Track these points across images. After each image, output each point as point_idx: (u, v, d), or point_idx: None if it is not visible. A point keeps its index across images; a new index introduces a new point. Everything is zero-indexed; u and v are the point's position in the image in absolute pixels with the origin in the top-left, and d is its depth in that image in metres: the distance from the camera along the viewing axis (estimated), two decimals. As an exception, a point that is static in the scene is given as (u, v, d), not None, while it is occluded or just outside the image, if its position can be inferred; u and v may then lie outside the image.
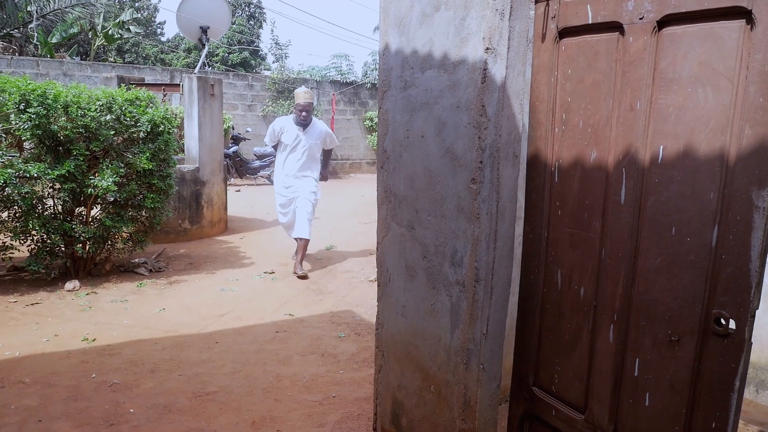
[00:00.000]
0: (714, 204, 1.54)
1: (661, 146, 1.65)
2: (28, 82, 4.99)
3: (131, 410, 3.12)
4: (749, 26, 1.44)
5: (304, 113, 6.00)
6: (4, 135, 5.01)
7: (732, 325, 1.53)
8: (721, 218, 1.53)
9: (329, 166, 6.73)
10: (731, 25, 1.48)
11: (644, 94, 1.67)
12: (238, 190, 12.64)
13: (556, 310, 2.05)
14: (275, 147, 6.36)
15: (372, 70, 19.06)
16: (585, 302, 1.93)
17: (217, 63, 22.20)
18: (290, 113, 6.83)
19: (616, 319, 1.82)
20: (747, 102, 1.46)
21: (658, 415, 1.73)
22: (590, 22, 1.81)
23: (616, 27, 1.74)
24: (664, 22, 1.61)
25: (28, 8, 14.34)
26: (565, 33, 1.91)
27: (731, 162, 1.50)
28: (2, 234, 5.24)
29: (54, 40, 16.10)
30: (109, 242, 5.65)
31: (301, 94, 6.04)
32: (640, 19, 1.66)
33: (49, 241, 5.19)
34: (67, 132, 4.97)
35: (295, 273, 5.99)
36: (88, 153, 5.14)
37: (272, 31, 32.64)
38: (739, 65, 1.47)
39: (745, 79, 1.46)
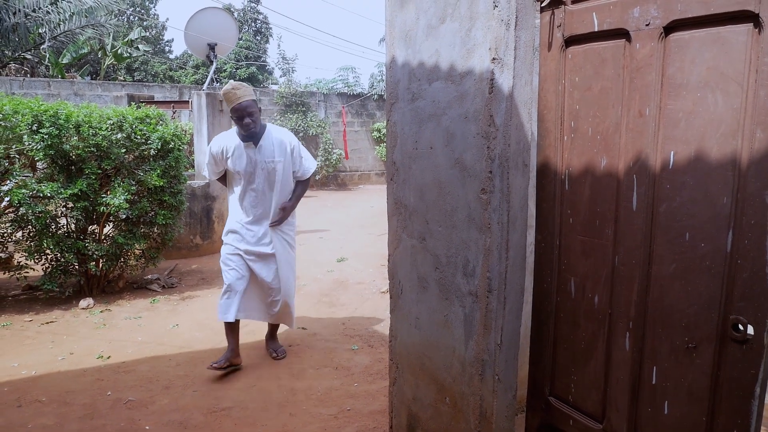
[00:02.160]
0: (727, 209, 1.53)
1: (672, 152, 1.64)
2: (41, 103, 5.06)
3: (147, 427, 3.12)
4: (757, 30, 1.44)
5: (246, 119, 3.66)
6: (17, 156, 5.08)
7: (750, 330, 1.51)
8: (735, 223, 1.52)
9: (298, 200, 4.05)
10: (739, 29, 1.47)
11: (653, 100, 1.67)
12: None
13: (571, 319, 2.03)
14: (221, 181, 4.09)
15: (378, 82, 19.14)
16: (599, 310, 1.91)
17: (225, 78, 22.42)
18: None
19: (632, 326, 1.81)
20: (758, 105, 1.45)
21: (678, 423, 1.71)
22: (596, 29, 1.81)
23: (622, 34, 1.74)
24: (670, 28, 1.61)
25: (40, 30, 14.58)
26: (571, 41, 1.91)
27: (743, 166, 1.49)
28: (17, 253, 5.29)
29: (65, 61, 16.34)
30: (122, 259, 5.69)
31: (233, 92, 3.66)
32: (647, 25, 1.66)
33: (62, 259, 5.24)
34: (79, 151, 5.03)
35: (275, 357, 4.13)
36: (99, 171, 5.20)
37: (279, 45, 32.95)
38: (748, 69, 1.46)
39: (754, 83, 1.45)
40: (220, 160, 3.82)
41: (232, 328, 3.86)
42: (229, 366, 3.79)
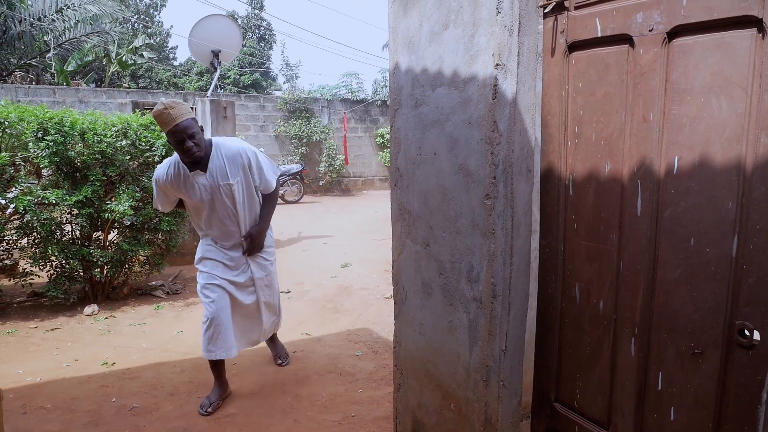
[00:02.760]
0: (733, 214, 1.52)
1: (676, 157, 1.64)
2: (46, 110, 5.09)
3: (151, 434, 3.12)
4: (761, 35, 1.44)
5: (188, 143, 3.03)
6: (23, 163, 5.11)
7: (757, 336, 1.50)
8: (740, 228, 1.51)
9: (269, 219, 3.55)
10: (742, 34, 1.47)
11: (657, 106, 1.67)
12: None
13: (576, 325, 2.03)
14: (173, 210, 3.74)
15: (382, 88, 19.19)
16: (605, 316, 1.91)
17: (228, 85, 22.51)
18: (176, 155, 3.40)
19: (637, 332, 1.80)
20: (762, 110, 1.45)
21: (684, 429, 1.70)
22: (599, 35, 1.81)
23: (625, 39, 1.74)
24: (674, 33, 1.61)
25: (45, 38, 14.68)
26: (574, 47, 1.91)
27: (748, 171, 1.49)
28: (22, 260, 5.31)
29: (70, 68, 16.44)
30: (127, 266, 5.70)
31: (166, 113, 3.00)
32: (650, 30, 1.66)
33: (67, 266, 5.26)
34: (84, 158, 5.06)
35: (280, 364, 4.09)
36: (104, 178, 5.22)
37: (282, 52, 33.04)
38: (752, 74, 1.46)
39: (759, 88, 1.45)
40: (170, 192, 3.27)
41: (217, 362, 3.44)
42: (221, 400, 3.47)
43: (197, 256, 3.43)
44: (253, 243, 3.41)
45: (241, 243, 3.39)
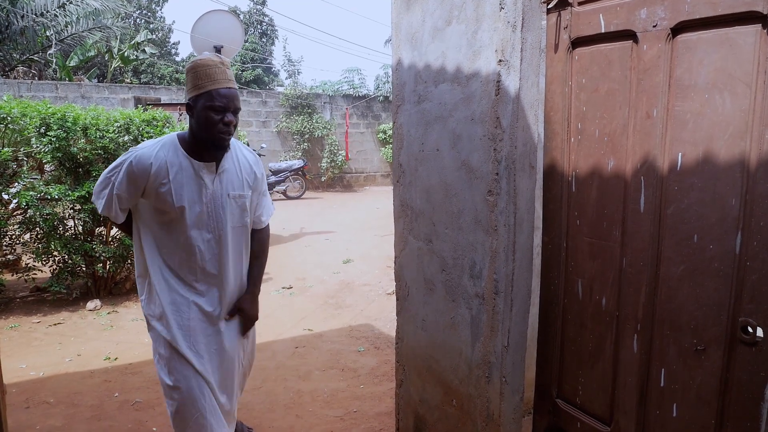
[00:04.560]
0: (736, 210, 1.52)
1: (680, 153, 1.63)
2: (48, 105, 5.10)
3: (154, 429, 3.13)
4: (765, 30, 1.43)
5: (229, 116, 2.07)
6: (25, 158, 5.11)
7: (759, 333, 1.50)
8: (744, 225, 1.51)
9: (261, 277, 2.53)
10: (747, 30, 1.46)
11: (660, 102, 1.66)
12: (255, 206, 12.70)
13: (578, 321, 2.02)
14: (128, 226, 2.27)
15: (384, 83, 19.15)
16: (607, 312, 1.91)
17: (230, 81, 22.44)
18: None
19: (640, 328, 1.80)
20: (766, 107, 1.44)
21: (687, 426, 1.70)
22: (603, 31, 1.80)
23: (629, 35, 1.73)
24: (678, 29, 1.60)
25: (47, 34, 14.67)
26: (577, 43, 1.90)
27: (752, 167, 1.48)
28: (25, 255, 5.32)
29: (72, 64, 16.44)
30: (129, 261, 5.71)
31: (220, 67, 2.08)
32: (654, 26, 1.65)
33: (70, 261, 5.27)
34: (86, 153, 5.06)
35: None
36: (107, 174, 5.22)
37: (284, 47, 33.04)
38: (756, 70, 1.45)
39: (763, 84, 1.44)
40: (139, 187, 2.08)
41: None
42: None
43: (148, 312, 2.25)
44: (248, 320, 2.36)
45: (216, 289, 2.24)
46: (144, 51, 19.19)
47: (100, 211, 2.17)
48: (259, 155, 13.79)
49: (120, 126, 5.29)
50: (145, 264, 2.19)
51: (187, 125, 2.17)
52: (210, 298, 2.22)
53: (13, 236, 5.31)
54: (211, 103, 2.02)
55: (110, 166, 2.13)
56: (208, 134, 2.06)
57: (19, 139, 5.07)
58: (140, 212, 2.17)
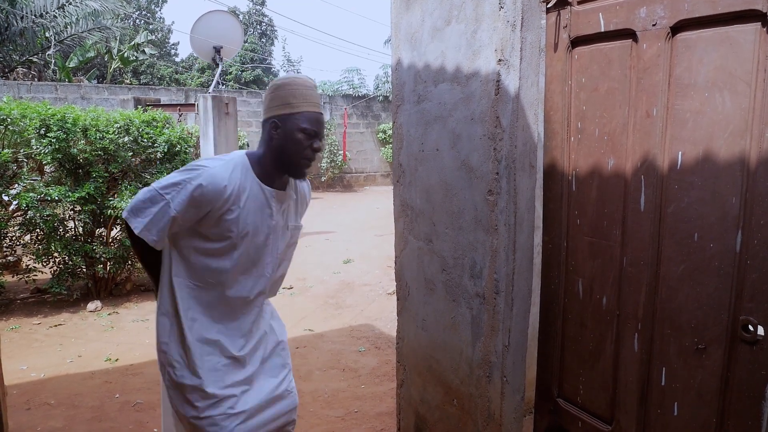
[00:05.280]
0: (736, 209, 1.52)
1: (680, 152, 1.63)
2: (48, 107, 5.10)
3: (155, 430, 3.13)
4: (765, 29, 1.43)
5: (317, 143, 1.82)
6: (25, 159, 5.11)
7: (760, 331, 1.50)
8: (744, 223, 1.51)
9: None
10: (746, 29, 1.46)
11: (660, 101, 1.66)
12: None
13: (579, 320, 2.02)
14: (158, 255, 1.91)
15: (384, 83, 19.16)
16: (608, 311, 1.91)
17: (230, 81, 22.49)
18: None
19: (640, 327, 1.80)
20: (766, 105, 1.44)
21: (688, 425, 1.70)
22: (603, 30, 1.80)
23: (629, 34, 1.73)
24: (677, 28, 1.60)
25: (47, 34, 14.67)
26: (577, 42, 1.90)
27: (752, 166, 1.48)
28: (25, 257, 5.32)
29: (72, 65, 16.44)
30: (129, 262, 5.71)
31: (313, 90, 1.86)
32: (653, 25, 1.65)
33: (70, 262, 5.27)
34: (86, 155, 5.06)
35: None
36: (107, 175, 5.22)
37: (284, 48, 33.05)
38: (756, 68, 1.45)
39: (763, 82, 1.44)
40: (202, 211, 1.75)
41: None
42: None
43: (187, 380, 1.86)
44: None
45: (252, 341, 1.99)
46: (143, 52, 19.18)
47: (137, 231, 1.74)
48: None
49: (120, 127, 5.29)
50: (174, 301, 1.87)
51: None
52: (241, 338, 1.93)
53: (14, 238, 5.31)
54: (304, 125, 1.79)
55: (164, 182, 1.74)
56: (293, 158, 1.82)
57: (19, 140, 5.07)
58: (180, 238, 1.83)
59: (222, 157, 1.85)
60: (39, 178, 5.26)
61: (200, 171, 1.75)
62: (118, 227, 5.68)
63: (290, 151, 1.81)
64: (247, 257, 1.86)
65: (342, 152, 16.80)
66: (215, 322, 1.88)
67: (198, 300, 1.87)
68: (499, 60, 1.96)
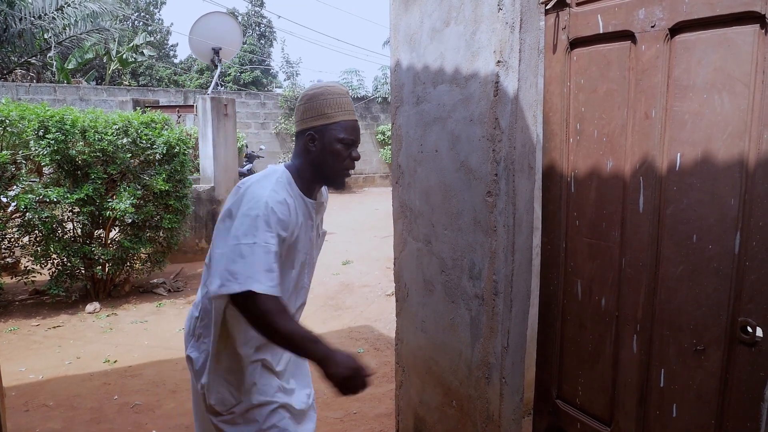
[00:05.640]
0: (735, 210, 1.52)
1: (679, 153, 1.63)
2: (47, 108, 5.09)
3: (153, 431, 3.13)
4: (763, 31, 1.43)
5: (356, 151, 1.78)
6: (24, 161, 5.10)
7: (759, 333, 1.50)
8: (743, 225, 1.51)
9: None
10: (745, 30, 1.47)
11: (659, 102, 1.66)
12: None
13: (578, 322, 2.02)
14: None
15: (382, 84, 19.18)
16: (607, 313, 1.91)
17: (229, 83, 22.49)
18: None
19: (639, 329, 1.80)
20: (765, 106, 1.44)
21: (687, 426, 1.70)
22: (601, 31, 1.81)
23: (627, 36, 1.73)
24: (676, 30, 1.60)
25: (45, 36, 14.66)
26: (576, 43, 1.91)
27: (751, 167, 1.48)
28: (24, 258, 5.31)
29: (70, 66, 16.43)
30: (128, 263, 5.71)
31: (347, 98, 1.78)
32: (652, 27, 1.65)
33: (69, 264, 5.26)
34: (84, 156, 5.06)
35: None
36: (105, 176, 5.22)
37: (283, 49, 33.06)
38: (755, 70, 1.45)
39: (761, 84, 1.44)
40: (281, 240, 1.65)
41: None
42: None
43: (264, 402, 1.78)
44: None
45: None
46: (142, 53, 19.18)
47: (271, 291, 1.56)
48: (258, 157, 13.67)
49: (118, 128, 5.28)
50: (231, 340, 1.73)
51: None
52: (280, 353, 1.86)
53: (12, 239, 5.30)
54: (342, 135, 1.73)
55: (243, 233, 1.58)
56: (333, 169, 1.76)
57: (17, 142, 5.06)
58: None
59: (267, 175, 1.74)
60: (37, 180, 5.25)
61: (258, 202, 1.61)
62: (117, 229, 5.68)
63: (330, 163, 1.75)
64: (298, 273, 1.81)
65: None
66: (259, 341, 1.78)
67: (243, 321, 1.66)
68: (498, 61, 1.96)
